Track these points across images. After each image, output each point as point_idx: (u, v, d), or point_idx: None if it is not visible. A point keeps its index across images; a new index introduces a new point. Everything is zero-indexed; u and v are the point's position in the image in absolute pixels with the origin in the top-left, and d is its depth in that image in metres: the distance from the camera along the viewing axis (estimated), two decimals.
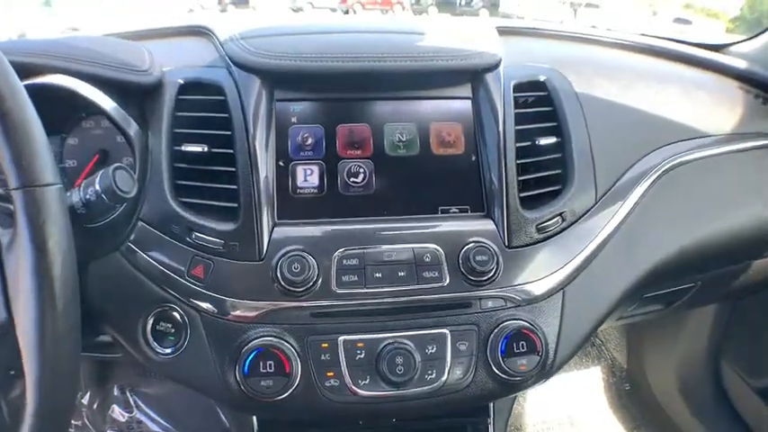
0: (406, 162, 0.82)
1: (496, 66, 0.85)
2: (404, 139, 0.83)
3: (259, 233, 0.74)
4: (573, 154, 0.84)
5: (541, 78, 0.89)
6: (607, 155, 0.86)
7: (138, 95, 0.78)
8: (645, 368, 1.69)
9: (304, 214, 0.78)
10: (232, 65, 0.81)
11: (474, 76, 0.85)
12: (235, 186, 0.75)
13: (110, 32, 0.95)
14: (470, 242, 0.76)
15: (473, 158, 0.83)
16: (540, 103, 0.87)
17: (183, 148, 0.77)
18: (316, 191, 0.80)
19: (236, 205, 0.75)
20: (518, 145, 0.82)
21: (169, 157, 0.76)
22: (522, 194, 0.80)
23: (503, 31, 0.96)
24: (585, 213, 0.83)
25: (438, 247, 0.76)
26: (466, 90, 0.85)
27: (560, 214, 0.81)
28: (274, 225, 0.76)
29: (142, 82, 0.77)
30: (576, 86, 0.90)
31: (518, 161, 0.81)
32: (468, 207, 0.81)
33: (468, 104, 0.85)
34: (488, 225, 0.79)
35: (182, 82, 0.80)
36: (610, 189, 0.85)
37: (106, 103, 0.74)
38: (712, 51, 1.15)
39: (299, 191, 0.79)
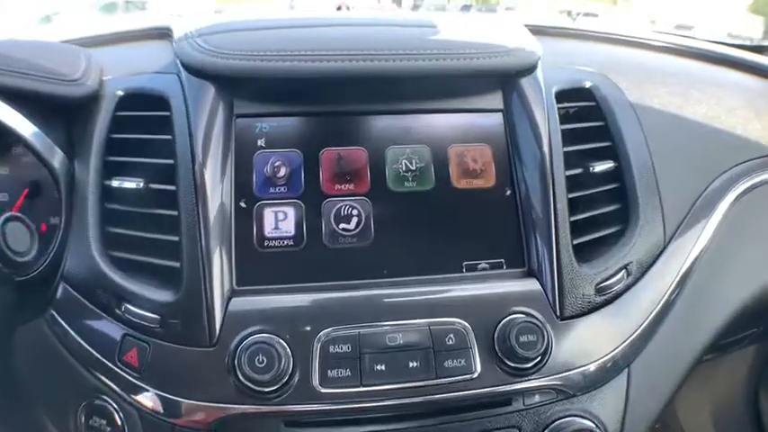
0: (416, 200, 0.67)
1: (534, 67, 0.71)
2: (413, 168, 0.68)
3: (209, 306, 0.58)
4: (635, 183, 0.70)
5: (587, 85, 0.76)
6: (674, 182, 0.73)
7: (66, 113, 0.65)
8: (675, 405, 1.61)
9: (274, 277, 0.62)
10: (182, 69, 0.67)
11: (506, 81, 0.71)
12: (176, 238, 0.59)
13: (65, 39, 0.81)
14: (510, 313, 0.61)
15: (507, 193, 0.68)
16: (586, 116, 0.74)
17: (114, 183, 0.63)
18: (291, 243, 0.64)
19: (177, 265, 0.59)
20: (567, 173, 0.67)
21: (98, 196, 0.63)
22: (574, 241, 0.65)
23: (533, 31, 0.82)
24: (654, 262, 0.68)
25: (464, 323, 0.60)
26: (496, 100, 0.71)
27: (625, 267, 0.66)
28: (231, 294, 0.60)
29: (70, 95, 0.63)
30: (629, 95, 0.77)
31: (568, 195, 0.67)
32: (502, 261, 0.66)
33: (499, 119, 0.70)
34: (532, 285, 0.64)
35: (122, 94, 0.67)
36: (680, 226, 0.72)
37: (23, 126, 0.61)
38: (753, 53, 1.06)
39: (267, 243, 0.63)
